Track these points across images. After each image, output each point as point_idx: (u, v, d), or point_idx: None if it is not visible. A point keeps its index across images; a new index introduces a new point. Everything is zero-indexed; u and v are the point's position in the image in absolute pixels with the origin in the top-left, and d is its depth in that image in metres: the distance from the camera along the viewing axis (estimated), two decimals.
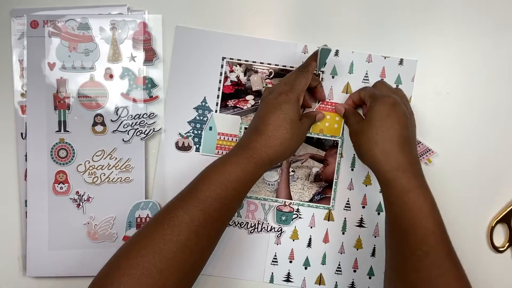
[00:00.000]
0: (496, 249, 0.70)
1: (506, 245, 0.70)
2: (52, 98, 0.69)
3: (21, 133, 0.70)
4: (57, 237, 0.69)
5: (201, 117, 0.70)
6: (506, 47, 0.70)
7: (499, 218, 0.70)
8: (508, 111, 0.70)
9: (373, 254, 0.70)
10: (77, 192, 0.69)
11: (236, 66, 0.70)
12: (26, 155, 0.69)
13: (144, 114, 0.70)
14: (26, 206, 0.69)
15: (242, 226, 0.70)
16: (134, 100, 0.70)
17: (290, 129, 0.59)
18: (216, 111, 0.70)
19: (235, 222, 0.70)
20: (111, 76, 0.69)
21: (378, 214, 0.70)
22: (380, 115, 0.58)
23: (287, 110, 0.59)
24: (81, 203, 0.69)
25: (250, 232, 0.70)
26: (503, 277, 0.71)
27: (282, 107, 0.59)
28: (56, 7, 0.69)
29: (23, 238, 0.69)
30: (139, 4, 0.70)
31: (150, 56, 0.70)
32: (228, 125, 0.70)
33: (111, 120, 0.69)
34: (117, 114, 0.69)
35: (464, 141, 0.70)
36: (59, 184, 0.69)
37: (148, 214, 0.69)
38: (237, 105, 0.70)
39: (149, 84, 0.70)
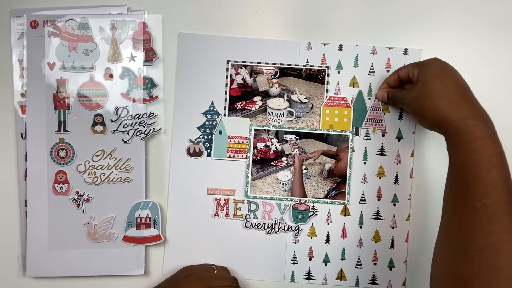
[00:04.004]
0: None
1: None
2: (52, 98, 0.69)
3: (21, 133, 0.69)
4: (57, 237, 0.69)
5: (210, 122, 0.70)
6: (505, 47, 0.70)
7: None
8: (508, 111, 0.70)
9: (392, 246, 0.70)
10: (77, 192, 0.69)
11: (241, 68, 0.70)
12: (26, 155, 0.69)
13: (144, 114, 0.70)
14: (26, 206, 0.69)
15: (259, 227, 0.70)
16: (134, 100, 0.70)
17: None
18: (224, 115, 0.70)
19: (252, 224, 0.70)
20: (111, 76, 0.69)
21: (394, 205, 0.70)
22: (437, 71, 0.59)
23: None
24: (81, 203, 0.69)
25: (268, 233, 0.70)
26: None
27: None
28: (56, 7, 0.69)
29: (23, 238, 0.69)
30: (139, 4, 0.70)
31: (150, 56, 0.70)
32: (238, 128, 0.70)
33: (111, 120, 0.69)
34: (117, 114, 0.69)
35: None
36: (59, 184, 0.69)
37: (148, 214, 0.69)
38: (245, 107, 0.70)
39: (149, 84, 0.70)
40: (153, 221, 0.70)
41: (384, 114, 0.70)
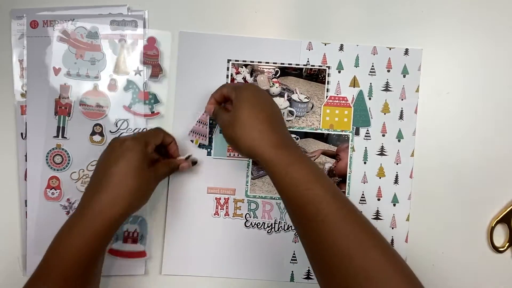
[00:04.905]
0: (496, 249, 0.70)
1: (506, 245, 0.70)
2: (54, 103, 0.69)
3: (21, 133, 0.69)
4: (43, 242, 0.68)
5: (211, 121, 0.70)
6: (505, 48, 0.70)
7: (499, 218, 0.70)
8: (508, 111, 0.70)
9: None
10: (68, 200, 0.69)
11: (242, 67, 0.70)
12: (26, 155, 0.69)
13: (144, 129, 0.69)
14: (26, 206, 0.69)
15: (259, 226, 0.70)
16: (135, 114, 0.69)
17: (136, 180, 0.57)
18: None
19: (252, 223, 0.70)
20: (115, 88, 0.69)
21: (394, 205, 0.70)
22: (249, 99, 0.59)
23: (131, 158, 0.57)
24: (71, 211, 0.69)
25: (268, 232, 0.70)
26: (503, 277, 0.71)
27: (125, 155, 0.57)
28: (56, 7, 0.69)
29: (23, 238, 0.69)
30: (140, 4, 0.70)
31: (156, 72, 0.70)
32: None
33: (110, 131, 0.69)
34: (117, 126, 0.69)
35: (464, 141, 0.70)
36: (51, 189, 0.69)
37: (136, 229, 0.69)
38: None
39: (152, 99, 0.69)
40: (141, 236, 0.69)
41: (385, 114, 0.70)
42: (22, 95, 0.69)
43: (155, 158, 0.63)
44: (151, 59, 0.69)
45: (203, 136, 0.69)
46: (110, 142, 0.60)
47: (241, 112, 0.58)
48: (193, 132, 0.69)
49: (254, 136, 0.57)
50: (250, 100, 0.59)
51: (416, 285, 0.49)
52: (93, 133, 0.69)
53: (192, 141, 0.69)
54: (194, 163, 0.69)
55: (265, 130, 0.57)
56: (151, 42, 0.69)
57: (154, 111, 0.70)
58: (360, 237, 0.50)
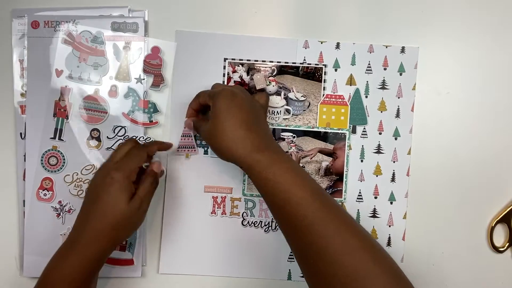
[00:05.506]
0: (496, 249, 0.69)
1: (506, 245, 0.69)
2: (54, 104, 0.69)
3: (20, 133, 0.70)
4: (32, 242, 0.69)
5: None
6: (505, 47, 0.71)
7: (499, 218, 0.69)
8: (508, 111, 0.70)
9: (388, 244, 0.70)
10: (60, 202, 0.69)
11: (239, 66, 0.70)
12: (24, 155, 0.69)
13: (141, 137, 0.69)
14: (24, 206, 0.69)
15: (256, 225, 0.70)
16: (134, 122, 0.70)
17: (120, 214, 0.57)
18: None
19: (249, 222, 0.70)
20: (115, 94, 0.70)
21: (391, 203, 0.70)
22: (222, 107, 0.59)
23: (114, 194, 0.57)
24: (61, 213, 0.69)
25: (265, 231, 0.70)
26: (503, 277, 0.70)
27: (109, 190, 0.58)
28: (57, 7, 0.70)
29: (20, 238, 0.69)
30: (139, 3, 0.70)
31: (158, 82, 0.70)
32: None
33: (107, 137, 0.69)
34: (114, 132, 0.69)
35: (464, 141, 0.70)
36: (43, 190, 0.69)
37: None
38: None
39: (152, 108, 0.70)
40: (129, 244, 0.69)
41: (381, 112, 0.70)
42: (22, 95, 0.70)
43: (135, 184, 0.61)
44: (154, 68, 0.70)
45: (192, 148, 0.70)
46: (97, 172, 0.62)
47: (218, 121, 0.59)
48: (182, 147, 0.70)
49: (231, 144, 0.58)
50: (226, 107, 0.59)
51: (405, 284, 0.49)
52: (90, 137, 0.69)
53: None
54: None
55: (242, 135, 0.58)
56: (155, 52, 0.70)
57: (153, 120, 0.70)
58: (342, 237, 0.50)
